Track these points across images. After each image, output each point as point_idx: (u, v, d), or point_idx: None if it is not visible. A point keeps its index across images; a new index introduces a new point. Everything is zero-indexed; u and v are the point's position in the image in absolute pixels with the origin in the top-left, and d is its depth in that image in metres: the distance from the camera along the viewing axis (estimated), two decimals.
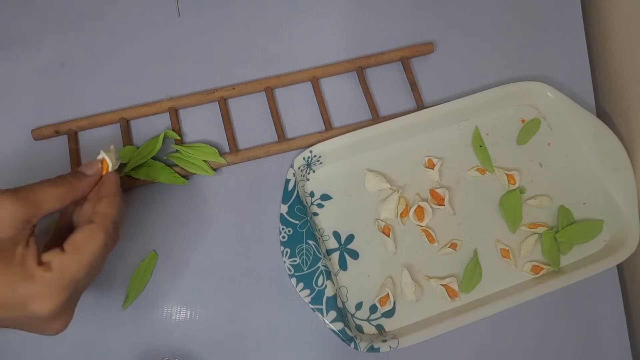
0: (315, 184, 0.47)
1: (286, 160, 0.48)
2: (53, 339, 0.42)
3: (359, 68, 0.51)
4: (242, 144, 0.49)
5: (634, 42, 0.50)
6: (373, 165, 0.48)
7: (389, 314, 0.44)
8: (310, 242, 0.44)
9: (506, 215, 0.47)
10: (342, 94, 0.51)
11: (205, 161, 0.46)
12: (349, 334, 0.41)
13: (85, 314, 0.43)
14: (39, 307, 0.29)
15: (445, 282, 0.44)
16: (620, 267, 0.49)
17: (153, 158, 0.46)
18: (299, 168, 0.46)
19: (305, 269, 0.43)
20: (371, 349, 0.41)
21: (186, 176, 0.47)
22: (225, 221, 0.46)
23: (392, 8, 0.54)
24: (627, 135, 0.49)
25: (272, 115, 0.49)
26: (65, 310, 0.31)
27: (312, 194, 0.47)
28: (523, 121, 0.50)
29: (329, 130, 0.48)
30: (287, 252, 0.44)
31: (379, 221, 0.46)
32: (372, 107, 0.49)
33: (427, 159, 0.48)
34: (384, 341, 0.41)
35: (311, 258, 0.43)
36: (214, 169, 0.47)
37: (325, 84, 0.51)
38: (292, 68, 0.51)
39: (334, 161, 0.48)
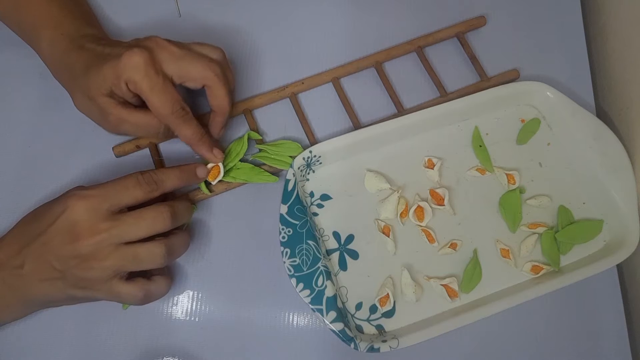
0: (315, 184, 0.47)
1: None
2: (53, 338, 0.42)
3: (419, 48, 0.51)
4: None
5: (633, 42, 0.50)
6: (373, 165, 0.48)
7: (389, 314, 0.44)
8: (310, 242, 0.44)
9: (506, 215, 0.47)
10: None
11: (290, 156, 0.46)
12: (349, 334, 0.41)
13: (85, 314, 0.43)
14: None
15: (445, 282, 0.44)
16: (620, 267, 0.49)
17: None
18: (298, 168, 0.46)
19: (305, 269, 0.43)
20: (371, 349, 0.41)
21: (275, 173, 0.47)
22: (225, 221, 0.46)
23: None
24: (627, 135, 0.49)
25: (343, 105, 0.50)
26: None
27: (312, 194, 0.47)
28: (523, 121, 0.50)
29: (401, 111, 0.49)
30: (287, 252, 0.44)
31: (379, 221, 0.46)
32: (439, 84, 0.50)
33: (427, 159, 0.48)
34: (384, 341, 0.41)
35: (311, 258, 0.43)
36: None
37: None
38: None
39: (333, 161, 0.48)
